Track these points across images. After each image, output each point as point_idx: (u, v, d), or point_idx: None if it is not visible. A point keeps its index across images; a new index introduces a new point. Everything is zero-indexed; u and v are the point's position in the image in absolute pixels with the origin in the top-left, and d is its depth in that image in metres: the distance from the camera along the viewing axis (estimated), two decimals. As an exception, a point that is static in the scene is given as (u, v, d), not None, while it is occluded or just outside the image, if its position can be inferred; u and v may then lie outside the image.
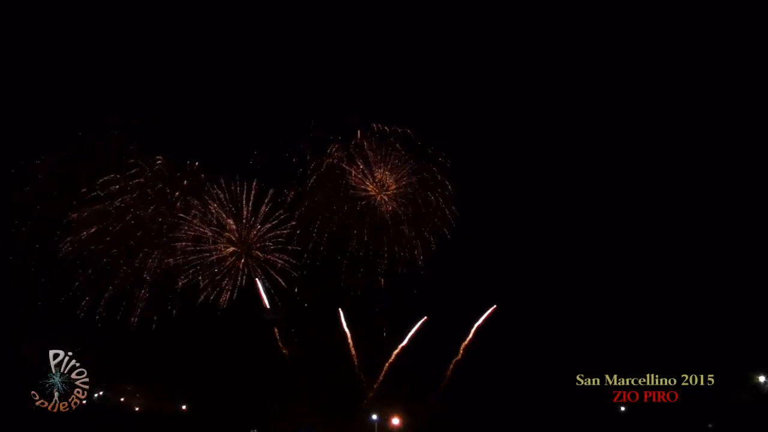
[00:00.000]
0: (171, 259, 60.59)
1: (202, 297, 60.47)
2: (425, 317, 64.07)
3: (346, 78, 68.77)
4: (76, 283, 58.21)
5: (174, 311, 60.39)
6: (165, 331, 60.25)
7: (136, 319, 59.51)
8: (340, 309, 64.57)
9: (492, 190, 66.96)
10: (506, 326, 62.80)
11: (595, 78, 68.97)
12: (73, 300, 58.10)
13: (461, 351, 63.45)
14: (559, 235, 66.23)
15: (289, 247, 63.34)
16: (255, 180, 62.48)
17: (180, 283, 60.41)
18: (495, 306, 63.96)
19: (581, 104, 68.64)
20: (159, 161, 61.50)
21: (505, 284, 64.48)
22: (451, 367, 63.38)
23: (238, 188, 62.43)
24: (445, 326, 64.41)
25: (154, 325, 59.91)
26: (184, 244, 61.26)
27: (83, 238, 58.58)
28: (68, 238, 58.28)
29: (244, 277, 62.22)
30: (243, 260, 62.43)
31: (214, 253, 61.83)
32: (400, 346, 63.91)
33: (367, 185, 65.40)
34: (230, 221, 62.62)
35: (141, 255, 60.15)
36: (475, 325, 63.76)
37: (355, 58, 69.75)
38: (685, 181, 65.17)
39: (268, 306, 63.26)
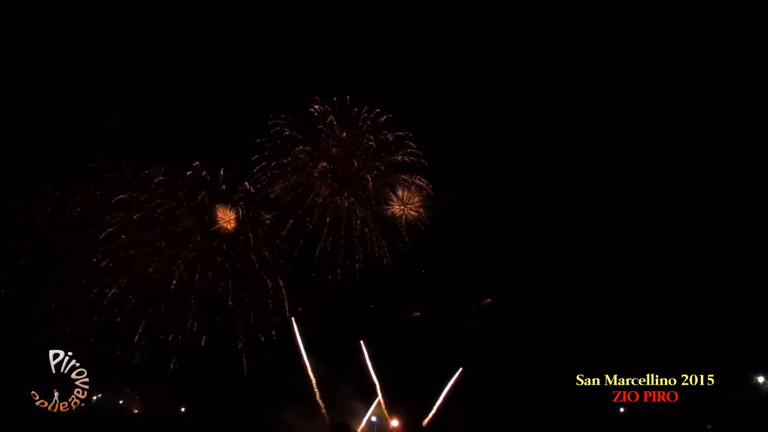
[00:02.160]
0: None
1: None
2: (417, 314, 64.19)
3: (322, 77, 69.15)
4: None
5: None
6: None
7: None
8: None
9: (491, 189, 67.57)
10: (506, 326, 62.91)
11: (588, 66, 69.79)
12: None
13: (460, 351, 63.54)
14: (558, 234, 66.49)
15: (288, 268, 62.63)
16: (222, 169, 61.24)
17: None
18: (490, 299, 64.33)
19: (583, 95, 69.34)
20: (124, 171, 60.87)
21: (504, 283, 64.79)
22: (450, 367, 63.50)
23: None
24: (442, 327, 64.38)
25: (132, 359, 59.78)
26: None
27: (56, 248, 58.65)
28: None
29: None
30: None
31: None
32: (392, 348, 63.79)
33: (334, 191, 64.96)
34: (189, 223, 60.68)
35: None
36: (474, 326, 63.97)
37: (332, 58, 70.52)
38: (684, 181, 65.54)
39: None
